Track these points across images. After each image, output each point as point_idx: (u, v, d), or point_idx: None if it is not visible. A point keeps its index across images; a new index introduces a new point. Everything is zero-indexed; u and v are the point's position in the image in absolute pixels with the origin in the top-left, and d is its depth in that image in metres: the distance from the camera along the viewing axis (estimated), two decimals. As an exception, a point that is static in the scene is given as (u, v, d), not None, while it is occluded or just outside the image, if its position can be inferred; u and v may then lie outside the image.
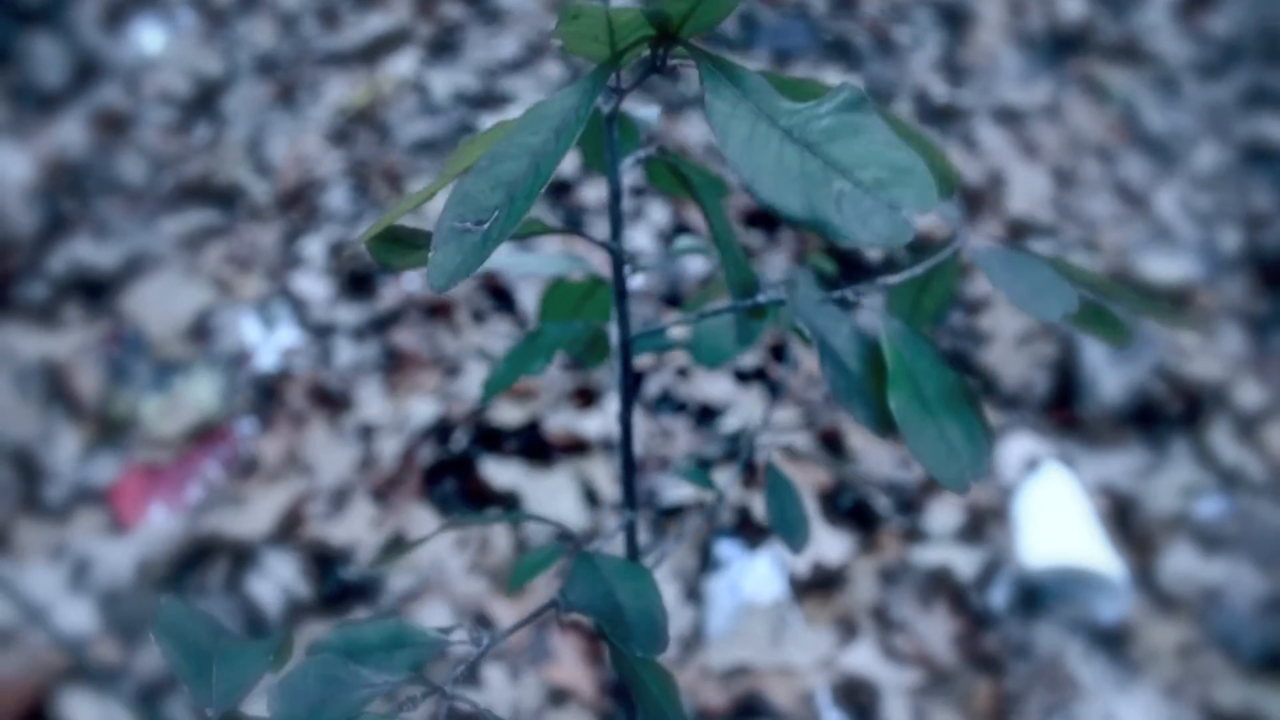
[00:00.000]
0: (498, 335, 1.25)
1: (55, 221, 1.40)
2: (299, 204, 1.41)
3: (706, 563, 1.06)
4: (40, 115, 1.59)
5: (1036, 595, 1.04)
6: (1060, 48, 1.83)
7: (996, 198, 1.48)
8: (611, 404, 1.18)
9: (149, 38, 1.74)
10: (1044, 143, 1.60)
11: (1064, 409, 1.23)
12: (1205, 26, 1.92)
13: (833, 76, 1.66)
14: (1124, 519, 1.12)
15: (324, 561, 1.05)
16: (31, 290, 1.31)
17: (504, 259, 0.46)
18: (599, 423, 1.15)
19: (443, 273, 0.33)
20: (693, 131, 1.55)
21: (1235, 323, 1.37)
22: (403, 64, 1.63)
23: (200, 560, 1.05)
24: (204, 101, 1.59)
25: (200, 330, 1.25)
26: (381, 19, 1.73)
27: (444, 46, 1.68)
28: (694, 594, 1.04)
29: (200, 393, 1.17)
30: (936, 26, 1.85)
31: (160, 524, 1.07)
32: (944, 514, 1.07)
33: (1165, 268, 1.42)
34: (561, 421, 1.15)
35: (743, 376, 1.23)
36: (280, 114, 1.56)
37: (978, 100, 1.67)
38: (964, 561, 1.03)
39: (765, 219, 1.42)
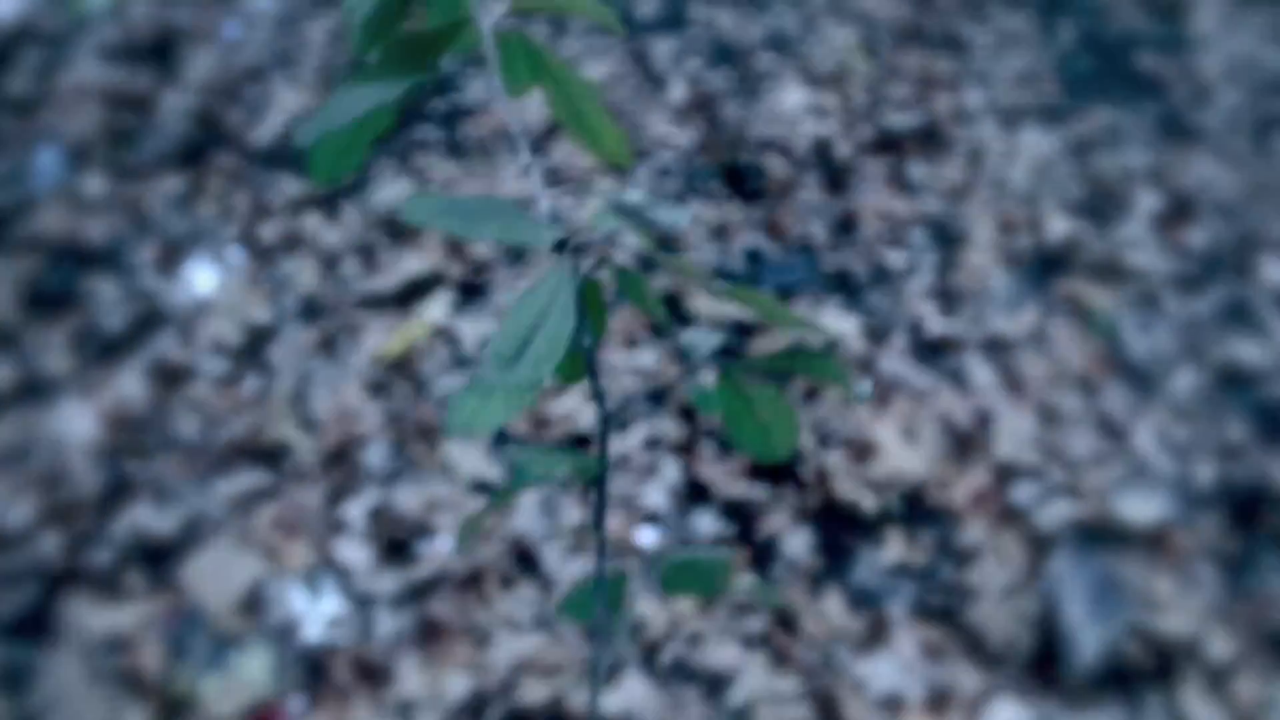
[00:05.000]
0: (524, 602, 1.37)
1: (118, 483, 1.53)
2: (341, 463, 1.54)
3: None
4: (102, 365, 1.74)
5: None
6: (1047, 266, 1.96)
7: (984, 440, 1.60)
8: (634, 681, 1.28)
9: (202, 278, 1.90)
10: (1030, 376, 1.71)
11: (1046, 668, 1.33)
12: (1185, 240, 2.05)
13: (832, 310, 1.79)
14: (1104, 788, 1.21)
15: (367, 847, 1.15)
16: (97, 556, 1.44)
17: None
18: (620, 697, 1.25)
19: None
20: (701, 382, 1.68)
21: (1209, 564, 1.47)
22: (435, 309, 1.78)
23: (255, 844, 1.16)
24: (252, 350, 1.74)
25: (252, 602, 1.37)
26: (416, 259, 1.88)
27: (473, 289, 1.83)
28: None
29: (254, 669, 1.29)
30: (930, 248, 1.98)
31: (219, 805, 1.18)
32: (934, 796, 1.17)
33: (1142, 509, 1.52)
34: (584, 698, 1.26)
35: (749, 642, 1.34)
36: (322, 363, 1.70)
37: (969, 330, 1.80)
38: None
39: (769, 473, 1.54)
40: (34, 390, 1.68)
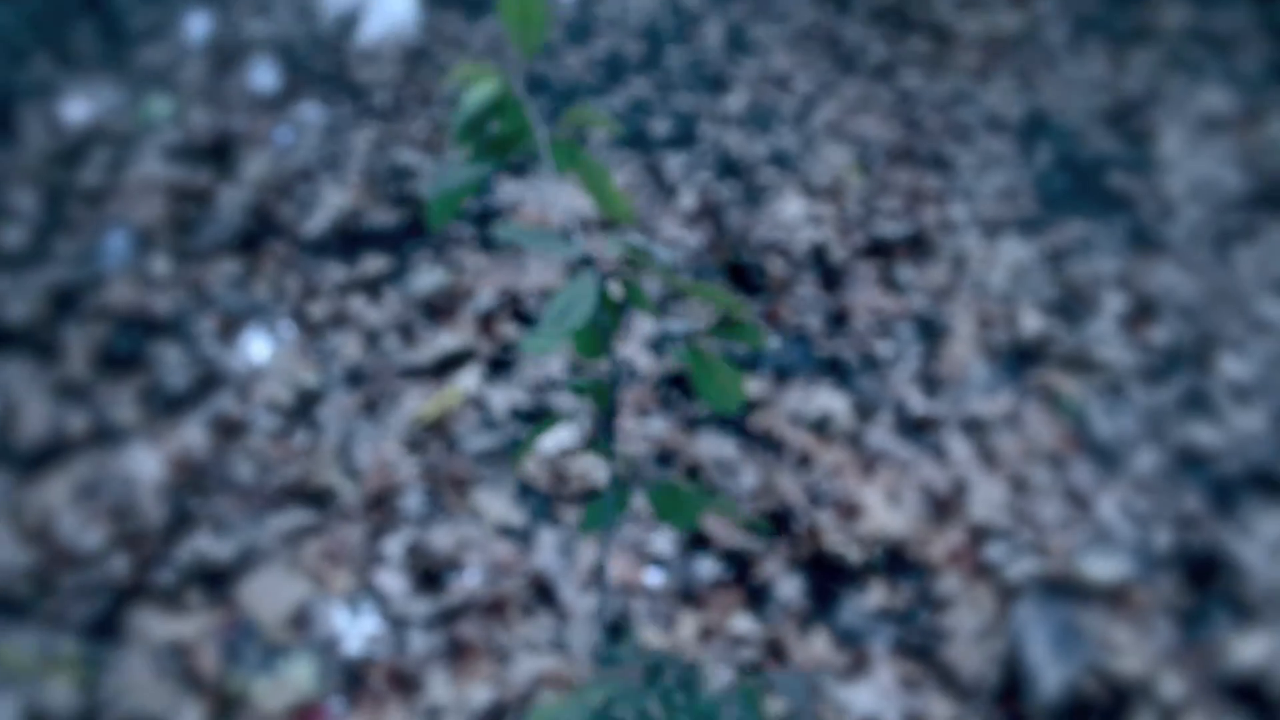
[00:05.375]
0: (542, 628, 1.52)
1: (181, 516, 1.71)
2: (381, 507, 1.71)
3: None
4: (167, 417, 1.93)
5: None
6: (1022, 358, 2.15)
7: (959, 505, 1.76)
8: (634, 693, 1.43)
9: (257, 347, 2.11)
10: (1004, 452, 1.89)
11: (1011, 701, 1.47)
12: (1149, 337, 2.25)
13: (825, 391, 1.98)
14: (1061, 801, 1.34)
15: (399, 829, 1.29)
16: (161, 576, 1.60)
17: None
18: (624, 709, 1.40)
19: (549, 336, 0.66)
20: (705, 446, 1.86)
21: (1164, 617, 1.62)
22: (468, 379, 1.97)
23: (298, 825, 1.29)
24: (302, 409, 1.93)
25: (300, 619, 1.52)
26: (450, 336, 2.09)
27: (501, 364, 2.03)
28: None
29: (300, 674, 1.44)
30: (916, 340, 2.19)
31: (266, 792, 1.32)
32: (906, 797, 1.30)
33: (1105, 568, 1.67)
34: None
35: (743, 669, 1.48)
36: (365, 422, 1.89)
37: (949, 411, 1.98)
38: (920, 841, 1.25)
39: (768, 524, 1.71)
40: (105, 436, 1.87)
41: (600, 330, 0.75)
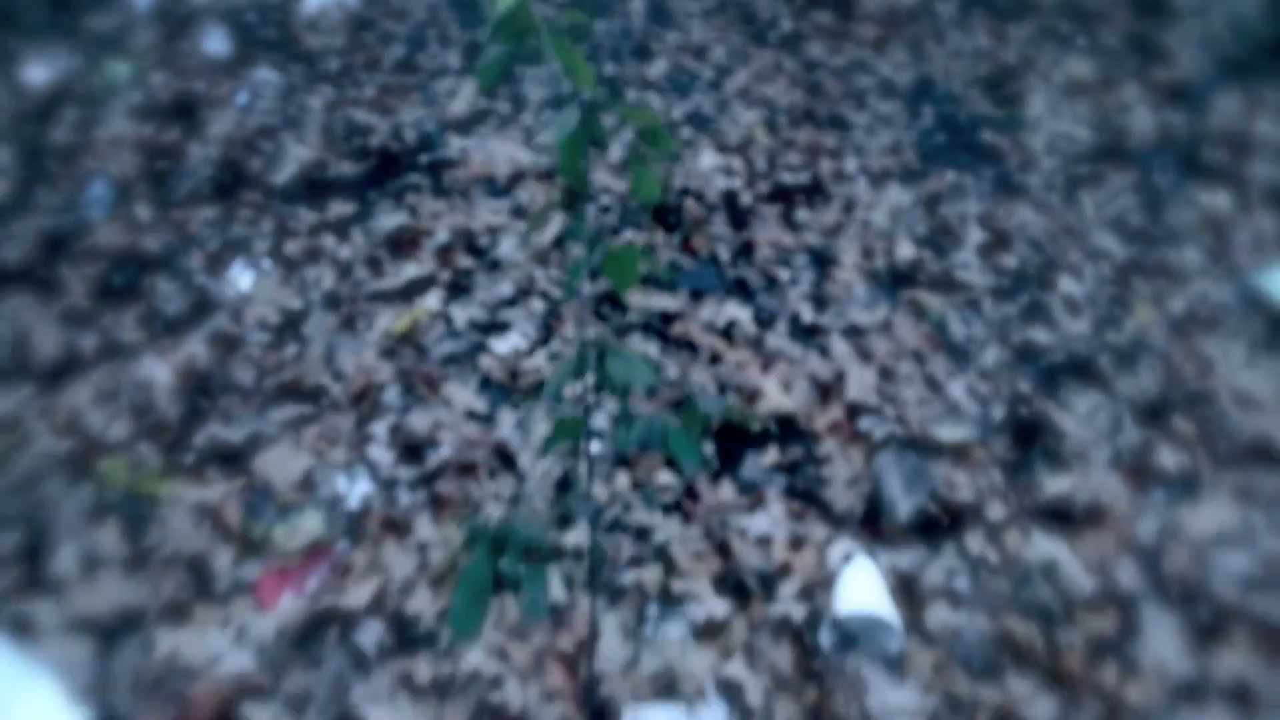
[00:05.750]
0: (505, 485, 1.89)
1: (194, 412, 2.03)
2: (365, 400, 2.06)
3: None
4: (170, 336, 2.24)
5: (848, 637, 1.65)
6: (896, 280, 2.57)
7: (840, 389, 2.17)
8: (585, 531, 1.80)
9: (243, 279, 2.42)
10: (877, 350, 2.30)
11: (873, 523, 1.88)
12: (1002, 263, 2.68)
13: (733, 305, 2.37)
14: (907, 591, 1.76)
15: (401, 624, 1.64)
16: (184, 458, 1.93)
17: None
18: (575, 538, 1.77)
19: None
20: (634, 348, 2.24)
21: (995, 467, 2.04)
22: (431, 300, 2.32)
23: (319, 626, 1.64)
24: (290, 327, 2.26)
25: (307, 483, 1.87)
26: (414, 267, 2.43)
27: (460, 288, 2.38)
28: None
29: (310, 524, 1.79)
30: (809, 267, 2.59)
31: (290, 605, 1.67)
32: (789, 586, 1.70)
33: (951, 433, 2.09)
34: (549, 537, 1.78)
35: (666, 509, 1.86)
36: (346, 336, 2.23)
37: (834, 321, 2.39)
38: (798, 611, 1.65)
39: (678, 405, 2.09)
40: (116, 352, 2.18)
41: (580, 143, 1.13)
